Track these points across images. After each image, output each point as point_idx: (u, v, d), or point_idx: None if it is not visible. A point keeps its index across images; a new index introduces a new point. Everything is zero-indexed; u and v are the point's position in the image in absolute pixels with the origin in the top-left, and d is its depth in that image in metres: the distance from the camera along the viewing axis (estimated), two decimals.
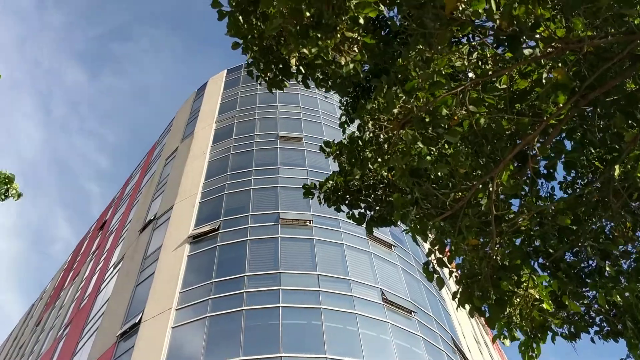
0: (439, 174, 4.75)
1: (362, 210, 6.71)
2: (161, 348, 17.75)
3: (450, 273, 5.38)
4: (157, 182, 31.53)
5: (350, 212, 6.74)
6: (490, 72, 4.46)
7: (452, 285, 28.39)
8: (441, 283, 5.13)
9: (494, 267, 4.77)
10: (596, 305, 5.26)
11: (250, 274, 19.76)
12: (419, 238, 5.69)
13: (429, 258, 5.22)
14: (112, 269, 27.73)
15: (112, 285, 25.46)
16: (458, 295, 5.04)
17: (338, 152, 6.99)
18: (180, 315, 19.05)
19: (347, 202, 6.92)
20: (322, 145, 7.43)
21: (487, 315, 4.99)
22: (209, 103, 34.35)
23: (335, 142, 7.11)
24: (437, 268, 5.16)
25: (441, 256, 5.02)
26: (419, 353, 18.36)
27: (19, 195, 6.20)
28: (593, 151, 4.78)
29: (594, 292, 5.15)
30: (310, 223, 22.04)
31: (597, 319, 5.41)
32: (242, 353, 16.76)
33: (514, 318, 4.91)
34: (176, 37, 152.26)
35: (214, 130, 30.47)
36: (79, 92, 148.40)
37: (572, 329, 5.33)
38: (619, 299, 4.69)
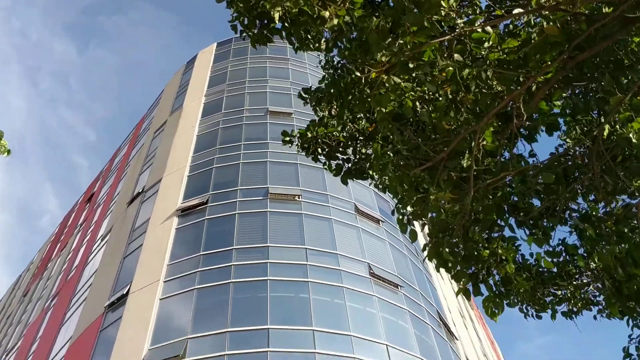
0: (421, 125, 4.75)
1: (340, 162, 6.68)
2: (149, 319, 17.85)
3: (423, 226, 5.42)
4: (145, 155, 31.34)
5: (328, 163, 6.71)
6: (478, 24, 4.43)
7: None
8: (414, 236, 5.19)
9: (466, 223, 4.82)
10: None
11: (239, 247, 19.83)
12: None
13: (404, 210, 5.26)
14: (99, 241, 27.69)
15: (100, 257, 25.45)
16: (427, 249, 5.10)
17: (317, 100, 6.92)
18: (168, 288, 19.12)
19: (325, 152, 6.87)
20: (301, 91, 7.34)
21: (453, 271, 5.06)
22: (198, 76, 34.02)
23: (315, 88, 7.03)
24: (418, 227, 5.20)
25: (415, 209, 5.04)
26: (405, 327, 18.61)
27: (8, 151, 6.11)
28: (580, 117, 4.81)
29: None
30: (299, 198, 22.08)
31: (583, 291, 5.49)
32: (230, 325, 16.90)
33: (480, 275, 4.99)
34: (167, 10, 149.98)
35: (203, 104, 30.24)
36: (67, 64, 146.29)
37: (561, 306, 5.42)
38: (597, 261, 4.77)
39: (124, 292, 19.85)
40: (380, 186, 6.67)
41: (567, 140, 5.52)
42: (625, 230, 4.76)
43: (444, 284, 27.62)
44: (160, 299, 18.66)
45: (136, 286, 19.77)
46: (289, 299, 18.30)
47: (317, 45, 5.19)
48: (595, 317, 5.67)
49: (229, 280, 18.52)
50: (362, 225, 22.13)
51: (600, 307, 5.58)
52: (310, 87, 7.25)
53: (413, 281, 21.28)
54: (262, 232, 20.52)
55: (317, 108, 6.88)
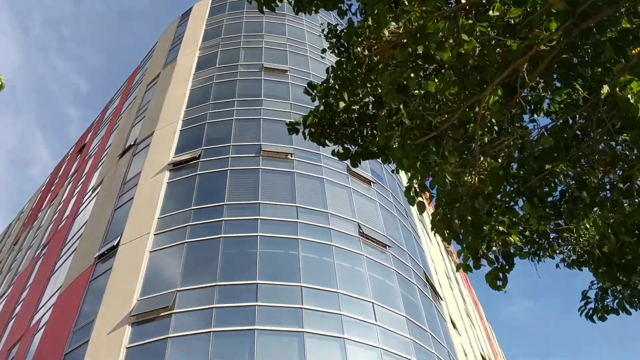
0: (425, 98, 4.72)
1: (347, 145, 6.67)
2: (139, 271, 18.02)
3: (431, 198, 5.45)
4: (137, 108, 31.03)
5: (335, 149, 6.70)
6: None
7: (426, 219, 28.93)
8: (422, 207, 5.20)
9: (474, 194, 4.84)
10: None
11: (230, 203, 19.89)
12: (401, 174, 5.72)
13: (411, 183, 5.26)
14: (90, 192, 27.66)
15: (91, 209, 25.47)
16: (437, 220, 5.13)
17: (324, 90, 6.85)
18: (158, 240, 19.24)
19: (331, 137, 6.87)
20: (307, 87, 7.26)
21: (465, 242, 5.09)
22: (193, 29, 33.40)
23: (320, 82, 6.95)
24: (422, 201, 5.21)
25: (422, 183, 5.06)
26: (391, 286, 18.92)
27: (1, 86, 6.00)
28: (579, 89, 4.80)
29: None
30: (291, 157, 22.06)
31: (565, 249, 5.61)
32: (219, 279, 17.11)
33: (481, 248, 5.04)
34: None
35: (197, 58, 29.79)
36: (59, 11, 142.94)
37: (539, 252, 5.52)
38: (589, 227, 4.83)
39: (114, 244, 19.96)
40: (390, 164, 6.64)
41: (556, 102, 5.48)
42: (621, 199, 4.81)
43: (432, 246, 27.98)
44: (150, 252, 18.80)
45: (126, 238, 19.88)
46: (279, 255, 18.49)
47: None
48: (557, 266, 5.84)
49: (219, 235, 18.65)
50: (353, 185, 22.22)
51: (563, 256, 5.73)
52: (311, 82, 7.14)
53: (401, 242, 21.52)
54: (253, 189, 20.57)
55: (325, 99, 6.79)
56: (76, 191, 31.42)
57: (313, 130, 6.86)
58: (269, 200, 20.00)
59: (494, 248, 5.06)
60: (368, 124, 6.58)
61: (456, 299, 28.66)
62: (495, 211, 5.03)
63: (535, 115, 5.11)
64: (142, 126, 27.68)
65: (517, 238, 5.08)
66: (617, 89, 3.98)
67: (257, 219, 19.19)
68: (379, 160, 6.62)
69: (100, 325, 16.78)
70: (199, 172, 21.54)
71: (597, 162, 4.83)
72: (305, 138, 7.09)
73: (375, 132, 6.51)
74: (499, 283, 5.20)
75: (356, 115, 6.61)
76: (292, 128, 7.10)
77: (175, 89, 27.77)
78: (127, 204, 22.11)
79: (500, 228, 5.16)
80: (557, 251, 5.64)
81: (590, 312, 6.03)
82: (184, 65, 29.69)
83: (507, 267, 5.13)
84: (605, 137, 4.69)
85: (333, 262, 18.35)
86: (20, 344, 21.44)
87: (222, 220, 19.23)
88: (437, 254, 28.54)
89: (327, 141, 6.91)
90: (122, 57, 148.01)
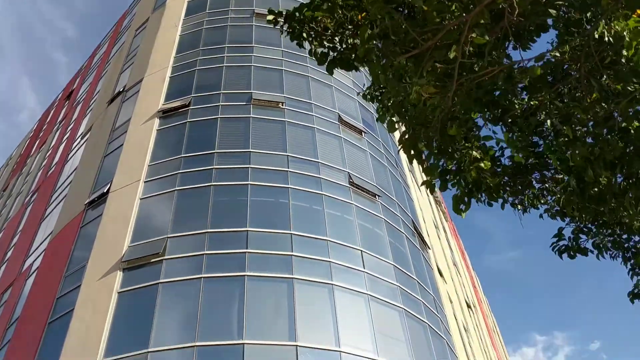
0: (412, 12, 4.62)
1: (325, 50, 6.47)
2: (129, 218, 18.09)
3: (402, 118, 5.42)
4: (126, 54, 30.41)
5: (313, 50, 6.48)
6: None
7: (416, 169, 29.10)
8: (392, 126, 5.21)
9: (445, 117, 4.84)
10: (550, 173, 5.46)
11: (220, 152, 19.83)
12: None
13: (385, 100, 5.25)
14: (79, 139, 27.43)
15: (80, 155, 25.32)
16: (403, 140, 5.14)
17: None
18: (148, 188, 19.24)
19: (311, 37, 6.62)
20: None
21: (426, 163, 5.13)
22: None
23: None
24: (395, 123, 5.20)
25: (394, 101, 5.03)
26: (380, 234, 19.17)
27: None
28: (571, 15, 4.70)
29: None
30: (282, 105, 21.87)
31: (550, 199, 5.68)
32: (209, 226, 17.23)
33: (450, 173, 5.08)
34: None
35: (186, 2, 29.03)
36: None
37: (523, 202, 5.58)
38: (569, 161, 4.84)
39: (105, 191, 19.95)
40: (366, 93, 6.54)
41: (556, 54, 5.44)
42: (603, 133, 4.84)
43: (421, 196, 28.23)
44: (140, 199, 18.82)
45: (117, 185, 19.86)
46: (269, 203, 18.59)
47: None
48: (541, 216, 5.94)
49: (210, 184, 18.67)
50: (344, 135, 22.16)
51: (547, 206, 5.82)
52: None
53: (391, 191, 21.68)
54: (244, 137, 20.47)
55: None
56: (65, 137, 31.14)
57: (293, 27, 6.54)
58: (260, 149, 19.95)
59: (465, 173, 5.07)
60: (350, 29, 6.37)
61: (443, 248, 29.16)
62: (472, 137, 5.04)
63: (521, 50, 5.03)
64: (130, 72, 27.21)
65: (489, 164, 5.12)
66: (613, 24, 3.91)
67: (248, 167, 19.19)
68: (356, 70, 6.44)
69: (92, 271, 16.96)
70: (189, 120, 21.36)
71: (582, 98, 4.81)
72: (281, 33, 6.79)
73: (356, 41, 6.36)
74: (462, 207, 5.27)
75: (340, 20, 6.37)
76: (274, 19, 6.72)
77: (164, 34, 27.18)
78: (117, 150, 21.98)
79: (474, 154, 5.18)
80: (542, 201, 5.71)
81: (563, 248, 6.18)
82: (173, 9, 28.96)
83: (474, 192, 5.18)
84: (592, 73, 4.65)
85: (323, 210, 18.50)
86: (12, 288, 21.70)
87: (212, 168, 19.21)
88: (425, 204, 28.83)
89: (306, 42, 6.66)
90: (110, 1, 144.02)
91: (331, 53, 6.23)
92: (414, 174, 28.58)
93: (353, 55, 5.91)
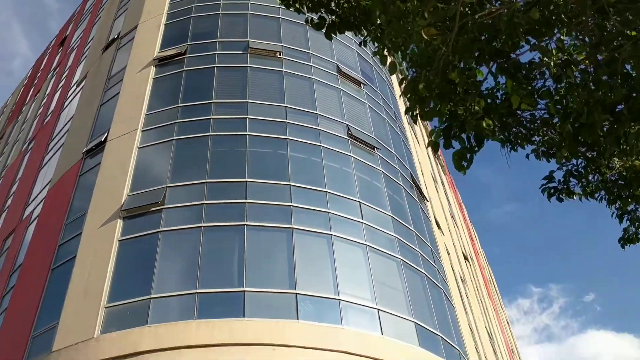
0: None
1: (323, 15, 6.33)
2: (128, 167, 18.09)
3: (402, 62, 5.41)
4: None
5: (310, 18, 6.35)
6: None
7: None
8: (393, 68, 5.19)
9: (446, 59, 4.83)
10: (540, 114, 5.49)
11: (218, 102, 19.67)
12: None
13: (385, 40, 5.21)
14: (74, 87, 27.09)
15: (76, 103, 25.06)
16: (404, 84, 5.13)
17: None
18: (146, 137, 19.17)
19: (308, 4, 6.47)
20: None
21: (426, 107, 5.15)
22: None
23: None
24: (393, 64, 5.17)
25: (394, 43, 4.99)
26: (378, 186, 19.29)
27: None
28: None
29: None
30: (280, 55, 21.57)
31: (537, 139, 5.73)
32: (208, 176, 17.27)
33: (453, 130, 5.11)
34: None
35: None
36: None
37: (512, 139, 5.61)
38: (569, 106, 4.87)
39: (102, 140, 19.87)
40: (366, 39, 6.43)
41: None
42: (604, 78, 4.83)
43: (420, 148, 28.27)
44: (138, 148, 18.78)
45: (114, 134, 19.77)
46: (268, 154, 18.60)
47: None
48: (527, 156, 6.00)
49: (208, 134, 18.61)
50: (343, 87, 21.97)
51: (534, 146, 5.86)
52: None
53: (389, 144, 21.68)
54: (241, 87, 20.27)
55: None
56: (60, 85, 30.73)
57: None
58: (258, 99, 19.79)
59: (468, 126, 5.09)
60: None
61: (441, 200, 29.42)
62: (473, 89, 5.03)
63: None
64: (125, 18, 26.64)
65: (490, 122, 5.14)
66: None
67: (246, 118, 19.08)
68: (357, 33, 6.37)
69: (92, 219, 17.09)
70: (185, 69, 21.08)
71: (585, 43, 4.78)
72: (279, 3, 6.67)
73: (353, 3, 6.25)
74: (464, 164, 5.33)
75: None
76: None
77: None
78: (113, 99, 21.76)
79: (477, 107, 5.19)
80: (531, 141, 5.74)
81: (552, 191, 6.28)
82: None
83: (475, 148, 5.23)
84: (596, 15, 4.61)
85: (322, 162, 18.54)
86: (14, 235, 21.88)
87: (210, 118, 19.10)
88: (424, 157, 28.90)
89: (303, 7, 6.55)
90: None
91: (329, 17, 6.11)
92: (413, 127, 28.52)
93: (352, 18, 5.81)
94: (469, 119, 5.17)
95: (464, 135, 5.29)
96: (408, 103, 5.32)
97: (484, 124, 5.21)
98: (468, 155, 5.34)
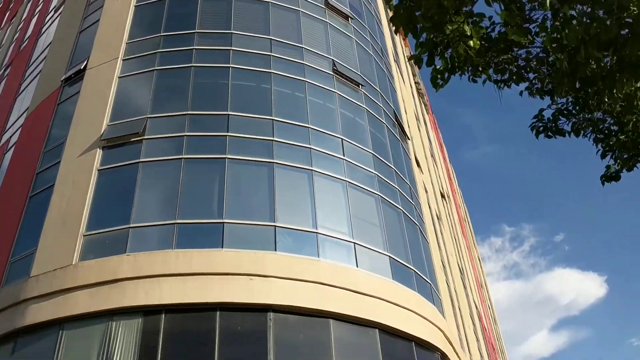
0: None
1: None
2: (108, 96, 17.75)
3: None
4: None
5: None
6: None
7: (401, 58, 28.64)
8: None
9: None
10: (535, 51, 5.45)
11: (201, 32, 19.16)
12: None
13: None
14: (52, 12, 26.14)
15: (54, 30, 24.27)
16: (400, 12, 5.05)
17: None
18: (127, 66, 18.73)
19: None
20: None
21: (420, 37, 5.08)
22: None
23: None
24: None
25: None
26: (361, 124, 19.21)
27: None
28: None
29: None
30: None
31: (531, 76, 5.70)
32: (190, 108, 17.04)
33: (440, 45, 5.05)
34: None
35: None
36: None
37: (504, 77, 5.59)
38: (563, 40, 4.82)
39: (81, 68, 19.38)
40: None
41: None
42: (601, 13, 4.77)
43: (404, 86, 28.04)
44: (119, 77, 18.38)
45: (94, 62, 19.27)
46: (251, 88, 18.32)
47: None
48: (521, 93, 5.99)
49: (190, 64, 18.22)
50: (330, 20, 21.47)
51: (528, 83, 5.85)
52: None
53: (375, 81, 21.45)
54: (225, 17, 19.71)
55: None
56: (37, 10, 29.64)
57: None
58: (242, 30, 19.30)
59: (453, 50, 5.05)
60: None
61: (422, 139, 29.49)
62: (464, 13, 4.95)
63: None
64: None
65: (478, 43, 5.09)
66: None
67: (229, 49, 18.66)
68: None
69: (71, 148, 16.89)
70: None
71: None
72: None
73: None
74: (440, 82, 5.31)
75: None
76: None
77: None
78: (93, 26, 21.09)
79: (465, 28, 5.13)
80: (524, 79, 5.71)
81: (541, 128, 6.31)
82: None
83: (458, 68, 5.20)
84: None
85: (305, 97, 18.34)
86: None
87: (192, 48, 18.65)
88: (408, 95, 28.73)
89: None
90: None
91: None
92: (399, 64, 28.18)
93: None
94: (456, 38, 5.10)
95: (447, 55, 5.24)
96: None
97: (471, 43, 5.14)
98: (446, 75, 5.31)
